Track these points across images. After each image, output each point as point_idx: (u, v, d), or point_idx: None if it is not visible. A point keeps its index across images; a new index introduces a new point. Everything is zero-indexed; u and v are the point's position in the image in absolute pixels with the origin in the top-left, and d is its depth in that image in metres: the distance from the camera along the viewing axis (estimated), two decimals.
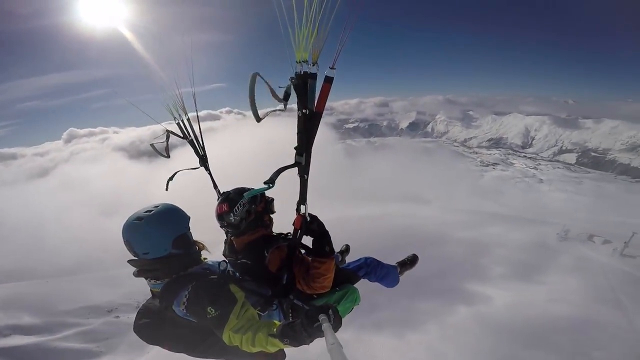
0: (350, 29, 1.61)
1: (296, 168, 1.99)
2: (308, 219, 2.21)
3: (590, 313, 10.05)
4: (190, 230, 2.19)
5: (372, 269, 3.31)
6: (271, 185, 1.92)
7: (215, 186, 3.00)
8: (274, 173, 1.94)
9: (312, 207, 2.26)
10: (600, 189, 76.78)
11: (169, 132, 3.10)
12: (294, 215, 2.20)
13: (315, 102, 1.81)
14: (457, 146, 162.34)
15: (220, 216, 2.52)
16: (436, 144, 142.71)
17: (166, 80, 2.83)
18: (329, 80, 1.76)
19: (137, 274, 2.09)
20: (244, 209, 2.50)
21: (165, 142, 3.13)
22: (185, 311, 1.95)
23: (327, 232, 2.29)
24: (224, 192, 2.64)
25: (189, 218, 2.19)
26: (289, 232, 2.50)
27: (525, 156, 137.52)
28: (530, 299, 10.60)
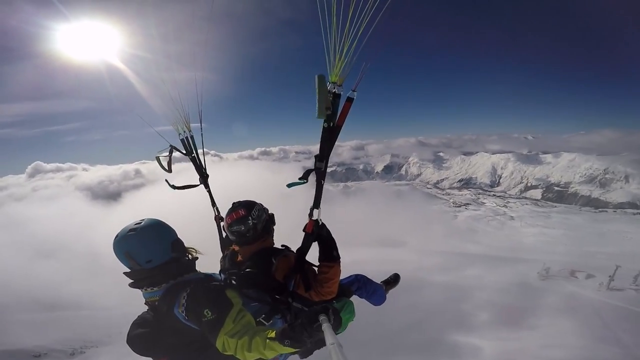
0: (370, 62, 2.07)
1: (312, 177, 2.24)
2: (320, 223, 2.33)
3: (590, 355, 9.21)
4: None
5: (363, 284, 3.51)
6: (305, 180, 2.24)
7: (213, 204, 3.20)
8: (305, 172, 2.24)
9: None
10: (568, 221, 79.63)
11: (172, 148, 3.19)
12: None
13: (337, 117, 2.15)
14: (430, 188, 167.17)
15: (237, 221, 2.61)
16: (410, 187, 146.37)
17: (174, 100, 2.93)
18: (350, 100, 2.14)
19: (134, 285, 2.12)
20: (259, 214, 2.65)
21: (168, 157, 3.20)
22: (184, 313, 1.95)
23: (333, 238, 2.41)
24: (234, 203, 2.72)
25: (173, 229, 2.24)
26: (285, 246, 2.70)
27: (494, 195, 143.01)
28: (523, 346, 9.62)
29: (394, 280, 4.10)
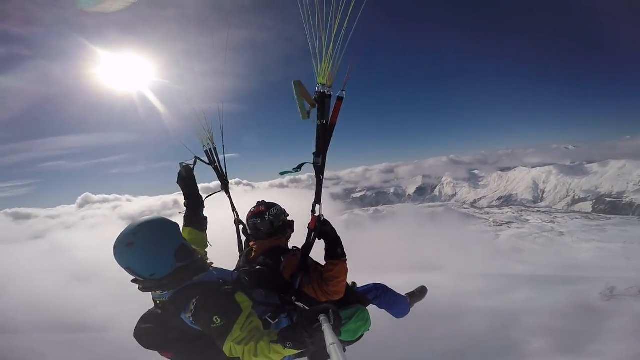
0: (355, 64, 2.22)
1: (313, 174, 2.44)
2: (322, 218, 2.52)
3: None
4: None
5: (382, 293, 3.57)
6: (298, 170, 2.47)
7: (233, 208, 3.49)
8: (301, 163, 2.45)
9: None
10: (627, 234, 72.26)
11: (197, 158, 3.42)
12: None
13: (330, 116, 2.35)
14: (467, 208, 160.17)
15: (256, 215, 2.99)
16: (445, 208, 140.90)
17: (199, 116, 3.26)
18: (340, 99, 2.35)
19: (143, 290, 2.16)
20: (277, 213, 2.98)
21: (192, 166, 3.38)
22: (192, 319, 2.01)
23: (338, 236, 2.59)
24: (259, 201, 3.13)
25: (178, 225, 2.21)
26: (297, 247, 2.91)
27: (539, 211, 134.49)
28: None
29: (419, 292, 4.15)
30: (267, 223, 2.92)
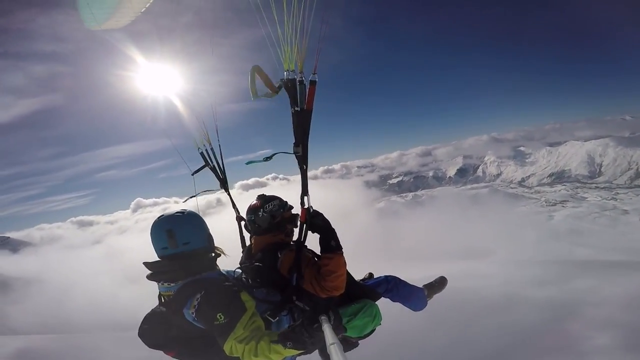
0: (323, 44, 2.14)
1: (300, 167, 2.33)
2: (311, 210, 2.40)
3: None
4: None
5: (394, 286, 3.38)
6: (268, 159, 2.41)
7: (234, 205, 3.41)
8: (273, 154, 2.42)
9: (353, 272, 2.54)
10: None
11: (194, 173, 3.62)
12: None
13: (305, 101, 2.26)
14: (515, 187, 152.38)
15: (252, 210, 2.87)
16: (490, 189, 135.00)
17: (198, 119, 3.41)
18: (313, 83, 2.25)
19: (153, 277, 2.22)
20: (273, 209, 2.83)
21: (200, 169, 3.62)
22: (194, 315, 2.01)
23: (332, 227, 2.44)
24: (259, 194, 3.03)
25: None
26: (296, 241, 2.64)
27: (597, 187, 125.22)
28: None
29: (439, 283, 3.93)
30: (263, 219, 2.83)
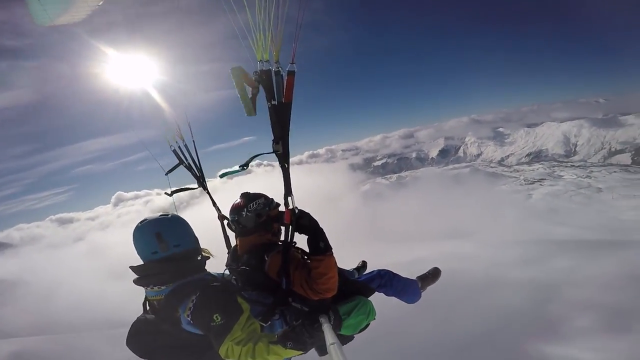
0: (300, 29, 1.86)
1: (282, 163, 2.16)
2: (296, 211, 2.26)
3: None
4: None
5: (387, 280, 3.37)
6: (244, 167, 2.19)
7: (214, 203, 3.34)
8: (249, 158, 2.18)
9: (337, 256, 2.28)
10: None
11: (167, 173, 3.53)
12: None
13: (282, 93, 2.02)
14: (495, 167, 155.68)
15: (235, 210, 2.75)
16: (471, 169, 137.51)
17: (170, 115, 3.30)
18: (291, 74, 2.01)
19: (140, 281, 2.14)
20: (258, 208, 2.69)
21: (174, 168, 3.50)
22: (189, 317, 1.94)
23: (320, 227, 2.29)
24: (243, 192, 2.80)
25: None
26: (284, 241, 2.50)
27: (573, 165, 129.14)
28: (635, 358, 7.40)
29: (432, 275, 3.88)
30: (247, 219, 2.68)
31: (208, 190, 3.52)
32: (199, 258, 2.35)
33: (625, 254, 14.41)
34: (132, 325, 2.27)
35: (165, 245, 2.11)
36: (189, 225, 2.33)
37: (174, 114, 3.35)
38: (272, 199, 2.84)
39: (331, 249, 2.33)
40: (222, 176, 2.58)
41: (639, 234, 27.87)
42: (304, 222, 2.28)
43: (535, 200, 76.72)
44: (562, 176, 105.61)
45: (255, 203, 2.73)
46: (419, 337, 8.01)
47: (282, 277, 2.39)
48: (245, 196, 2.78)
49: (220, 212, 3.32)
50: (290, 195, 2.25)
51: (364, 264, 4.12)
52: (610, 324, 8.60)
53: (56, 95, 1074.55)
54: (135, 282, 2.18)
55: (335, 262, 2.36)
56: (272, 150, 2.11)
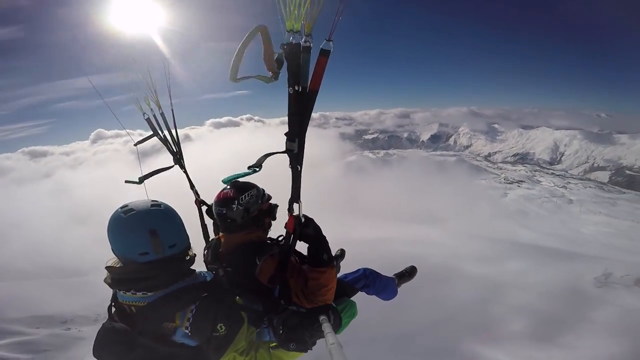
0: None
1: (288, 159, 1.82)
2: (302, 220, 2.05)
3: None
4: None
5: (371, 281, 3.28)
6: (257, 169, 1.83)
7: (192, 186, 2.96)
8: (261, 157, 1.84)
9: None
10: (638, 212, 71.63)
11: (136, 144, 3.19)
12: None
13: (310, 78, 1.61)
14: (480, 160, 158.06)
15: (223, 202, 2.36)
16: (457, 158, 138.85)
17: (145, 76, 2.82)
18: (325, 54, 1.56)
19: (119, 285, 1.75)
20: (250, 200, 2.37)
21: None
22: (188, 329, 1.71)
23: (324, 237, 2.15)
24: (232, 182, 2.42)
25: None
26: (282, 235, 2.29)
27: (553, 173, 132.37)
28: None
29: (409, 273, 3.88)
30: (237, 213, 2.34)
31: (185, 170, 3.07)
32: (187, 258, 2.00)
33: (573, 266, 15.50)
34: (99, 333, 1.88)
35: (160, 246, 1.75)
36: (179, 216, 1.95)
37: (149, 75, 2.90)
38: (263, 190, 2.53)
39: (333, 260, 2.21)
40: (226, 181, 2.36)
41: (592, 248, 29.54)
42: (308, 231, 2.10)
43: (510, 199, 79.31)
44: (541, 182, 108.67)
45: (248, 195, 2.38)
46: (364, 323, 8.32)
47: (275, 283, 2.19)
48: (236, 186, 2.40)
49: (198, 196, 2.94)
50: (297, 202, 1.96)
51: (342, 253, 4.09)
52: (537, 333, 9.37)
53: (48, 34, 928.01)
54: (112, 285, 1.80)
55: (336, 274, 2.28)
56: (284, 150, 1.78)
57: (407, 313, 9.26)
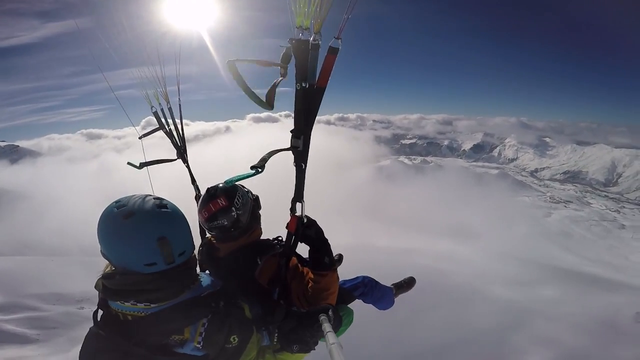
0: None
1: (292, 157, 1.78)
2: (305, 220, 2.00)
3: None
4: None
5: (369, 289, 3.28)
6: (260, 170, 1.66)
7: (193, 181, 2.96)
8: (265, 155, 1.71)
9: (329, 227, 2.04)
10: None
11: (141, 137, 3.29)
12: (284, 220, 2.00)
13: (317, 75, 1.63)
14: (525, 176, 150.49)
15: (220, 213, 2.21)
16: (500, 171, 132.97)
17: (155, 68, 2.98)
18: (333, 52, 1.56)
19: (116, 296, 1.56)
20: (243, 200, 2.28)
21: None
22: (200, 343, 1.59)
23: (326, 240, 2.11)
24: (208, 189, 2.31)
25: None
26: (280, 236, 2.31)
27: (606, 196, 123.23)
28: None
29: (407, 284, 3.87)
30: (238, 218, 2.24)
31: (188, 164, 3.08)
32: (194, 264, 1.86)
33: (614, 297, 14.23)
34: (86, 339, 1.66)
35: (169, 254, 1.57)
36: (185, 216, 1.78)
37: (159, 72, 2.99)
38: (242, 184, 2.42)
39: (335, 264, 2.17)
40: (228, 183, 2.07)
41: (636, 278, 27.05)
42: (310, 232, 2.05)
43: (553, 220, 74.54)
44: (591, 204, 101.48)
45: (239, 196, 2.28)
46: (366, 340, 7.81)
47: (275, 285, 2.15)
48: (222, 192, 2.27)
49: (199, 192, 2.92)
50: (301, 201, 1.91)
51: (340, 257, 4.04)
52: None
53: (114, 26, 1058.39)
54: (105, 294, 1.61)
55: (338, 277, 2.19)
56: (290, 146, 1.75)
57: (417, 332, 8.89)
